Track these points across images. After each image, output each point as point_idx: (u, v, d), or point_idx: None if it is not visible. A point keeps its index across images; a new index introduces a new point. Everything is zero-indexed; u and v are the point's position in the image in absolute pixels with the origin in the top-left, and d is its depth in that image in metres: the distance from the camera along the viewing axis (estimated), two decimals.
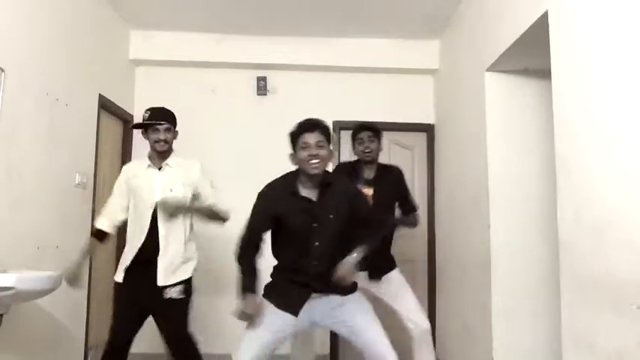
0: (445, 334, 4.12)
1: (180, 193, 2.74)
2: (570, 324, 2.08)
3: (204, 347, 2.79)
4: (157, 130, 2.75)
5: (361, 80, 4.57)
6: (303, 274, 2.25)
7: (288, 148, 2.28)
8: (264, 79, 4.51)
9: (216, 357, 3.17)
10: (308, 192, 2.26)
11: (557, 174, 2.21)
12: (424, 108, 4.58)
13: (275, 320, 2.24)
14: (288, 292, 2.28)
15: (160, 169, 2.78)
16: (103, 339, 3.99)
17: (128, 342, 2.72)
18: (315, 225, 2.23)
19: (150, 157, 2.82)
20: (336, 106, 4.53)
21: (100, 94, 3.78)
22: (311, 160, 2.17)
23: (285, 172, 2.36)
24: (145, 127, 2.78)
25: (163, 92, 4.47)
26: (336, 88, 4.56)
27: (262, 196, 2.31)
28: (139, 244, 2.68)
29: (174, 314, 2.71)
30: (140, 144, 4.32)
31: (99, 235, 2.80)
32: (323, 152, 2.19)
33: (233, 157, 4.42)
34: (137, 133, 4.33)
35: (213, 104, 4.52)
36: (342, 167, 3.38)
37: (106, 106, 3.90)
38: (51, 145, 3.11)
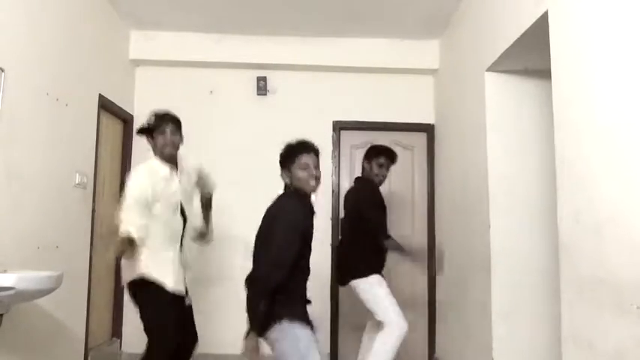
0: (445, 334, 4.12)
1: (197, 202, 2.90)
2: (570, 324, 2.08)
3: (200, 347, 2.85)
4: (164, 132, 2.72)
5: (361, 80, 4.57)
6: (304, 291, 2.33)
7: None
8: (264, 79, 4.51)
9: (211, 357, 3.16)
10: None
11: (557, 174, 2.21)
12: (424, 108, 4.58)
13: (315, 344, 2.22)
14: (306, 311, 2.29)
15: (177, 174, 2.79)
16: (103, 339, 4.02)
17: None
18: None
19: (161, 162, 2.76)
20: (336, 106, 4.54)
21: (100, 94, 3.78)
22: (311, 181, 2.31)
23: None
24: (152, 131, 2.74)
25: (163, 92, 4.48)
26: (336, 88, 4.56)
27: (295, 214, 2.26)
28: (177, 253, 2.70)
29: (192, 320, 2.82)
30: (140, 143, 4.34)
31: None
32: (319, 173, 2.34)
33: (233, 157, 4.41)
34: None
35: (213, 104, 4.52)
36: (376, 186, 3.45)
37: (106, 106, 3.90)
38: (51, 145, 3.11)
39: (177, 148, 2.78)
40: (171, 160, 2.77)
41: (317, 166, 2.33)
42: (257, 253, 2.29)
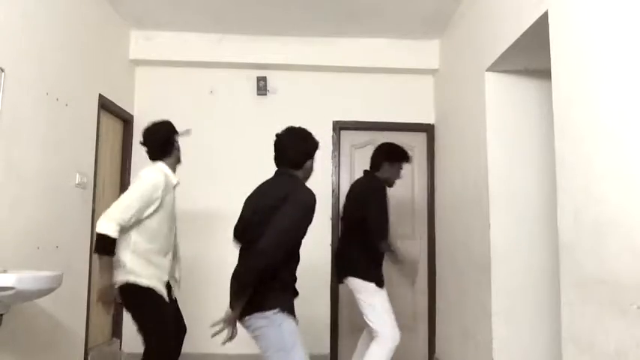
0: (445, 334, 4.12)
1: None
2: (570, 324, 2.08)
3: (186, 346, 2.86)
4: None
5: (361, 80, 4.57)
6: (294, 279, 2.28)
7: None
8: (264, 79, 4.51)
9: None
10: None
11: (557, 174, 2.21)
12: (424, 108, 4.58)
13: (300, 338, 2.18)
14: (292, 301, 2.24)
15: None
16: (103, 339, 4.02)
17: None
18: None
19: (172, 171, 2.80)
20: (336, 106, 4.54)
21: (100, 94, 3.78)
22: None
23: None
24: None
25: (163, 92, 4.49)
26: (336, 88, 4.56)
27: (313, 204, 2.17)
28: (170, 259, 2.74)
29: (180, 313, 2.83)
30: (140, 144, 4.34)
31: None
32: None
33: (233, 157, 4.42)
34: (137, 134, 4.38)
35: (213, 104, 4.52)
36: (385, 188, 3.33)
37: (106, 106, 3.90)
38: (51, 145, 3.11)
39: None
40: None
41: None
42: (257, 227, 2.16)
